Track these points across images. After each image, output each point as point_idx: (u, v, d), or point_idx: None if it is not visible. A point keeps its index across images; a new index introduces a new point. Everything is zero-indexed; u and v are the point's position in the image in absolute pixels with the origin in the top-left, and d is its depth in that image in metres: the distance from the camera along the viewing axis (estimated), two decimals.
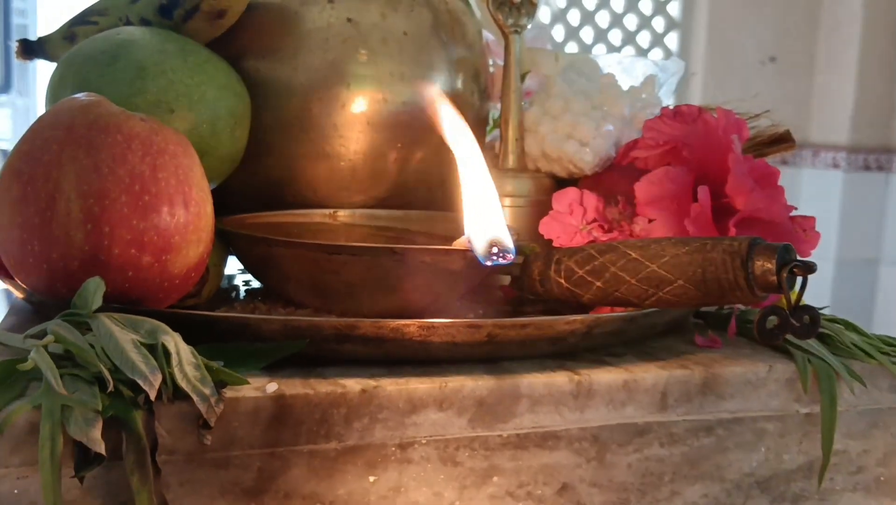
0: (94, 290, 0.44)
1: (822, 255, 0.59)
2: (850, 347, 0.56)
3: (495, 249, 0.49)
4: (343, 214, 0.72)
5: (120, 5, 0.70)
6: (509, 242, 0.49)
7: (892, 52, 3.02)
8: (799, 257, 0.48)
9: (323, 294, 0.57)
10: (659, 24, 2.91)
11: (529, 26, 0.76)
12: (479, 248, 0.49)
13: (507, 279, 0.56)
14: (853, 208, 2.94)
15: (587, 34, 2.79)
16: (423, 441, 0.47)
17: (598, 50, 2.80)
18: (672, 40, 3.04)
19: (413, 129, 0.75)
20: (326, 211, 0.72)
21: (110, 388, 0.41)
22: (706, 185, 0.59)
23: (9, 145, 3.37)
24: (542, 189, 0.73)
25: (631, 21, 2.83)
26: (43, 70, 3.71)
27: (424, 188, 0.78)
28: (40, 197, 0.46)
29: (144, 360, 0.42)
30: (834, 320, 0.59)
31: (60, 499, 0.40)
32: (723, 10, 3.03)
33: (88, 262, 0.46)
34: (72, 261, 0.46)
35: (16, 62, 4.16)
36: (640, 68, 0.76)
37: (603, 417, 0.50)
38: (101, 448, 0.40)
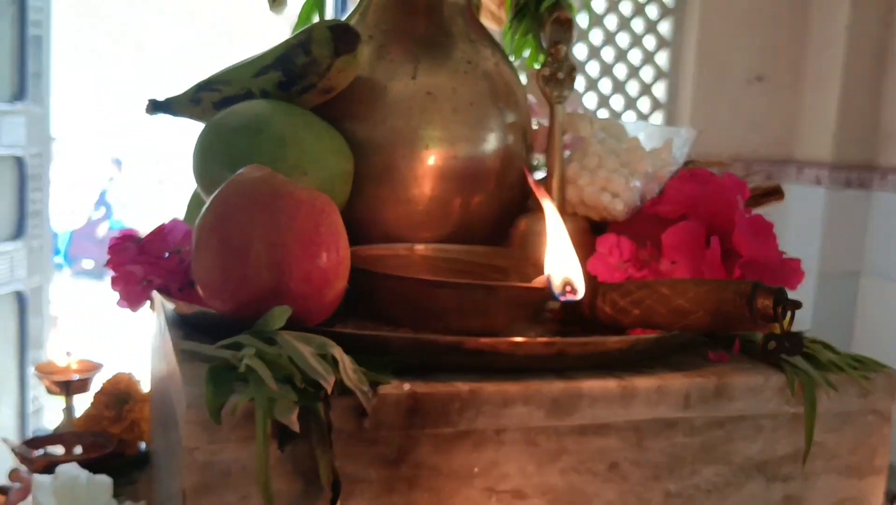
0: (280, 314, 0.61)
1: (806, 267, 0.74)
2: (827, 363, 0.73)
3: (568, 288, 0.65)
4: (419, 248, 0.89)
5: (243, 78, 0.87)
6: (580, 284, 0.66)
7: (875, 72, 3.19)
8: (789, 296, 0.65)
9: (421, 317, 0.73)
10: (650, 42, 3.06)
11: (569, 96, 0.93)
12: (555, 286, 0.65)
13: (555, 304, 0.73)
14: (835, 223, 3.08)
15: (580, 51, 2.91)
16: (513, 428, 0.64)
17: (592, 68, 2.94)
18: (662, 59, 3.20)
19: (474, 179, 0.92)
20: (406, 245, 0.89)
21: (300, 386, 0.58)
22: (716, 235, 0.76)
23: (23, 152, 3.50)
24: (580, 230, 0.90)
25: (623, 39, 2.98)
26: (57, 79, 3.83)
27: (481, 226, 0.94)
28: (236, 246, 0.62)
29: (321, 365, 0.59)
30: (814, 341, 0.76)
31: (268, 464, 0.56)
32: (712, 29, 3.17)
33: (270, 293, 0.62)
34: (259, 293, 0.62)
35: (31, 71, 4.26)
36: (659, 134, 0.93)
37: (642, 412, 0.67)
38: (297, 428, 0.56)
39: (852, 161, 3.24)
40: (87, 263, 9.08)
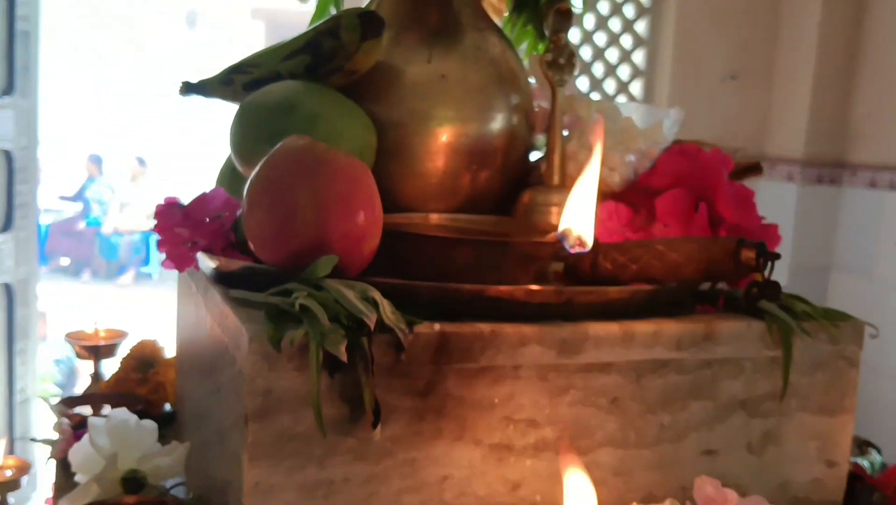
0: (326, 263, 0.69)
1: (777, 262, 0.83)
2: (801, 313, 0.82)
3: (578, 241, 0.74)
4: (433, 217, 0.97)
5: (273, 61, 0.95)
6: (590, 238, 0.75)
7: (846, 69, 3.30)
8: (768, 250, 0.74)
9: (439, 274, 0.81)
10: (627, 41, 3.16)
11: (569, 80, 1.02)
12: (567, 239, 0.74)
13: (560, 265, 0.82)
14: (806, 219, 3.19)
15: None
16: (528, 365, 0.73)
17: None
18: (639, 57, 3.30)
19: (482, 155, 1.00)
20: (421, 214, 0.97)
21: (346, 323, 0.66)
22: (704, 203, 0.86)
23: (11, 145, 3.54)
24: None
25: (600, 38, 3.07)
26: (44, 73, 3.87)
27: (488, 199, 1.03)
28: (285, 207, 0.70)
29: (364, 305, 0.67)
30: (790, 296, 0.85)
31: (319, 390, 0.64)
32: (687, 28, 3.27)
33: (315, 247, 0.71)
34: (305, 246, 0.71)
35: (19, 65, 4.31)
36: (650, 114, 1.03)
37: (640, 354, 0.76)
38: (345, 358, 0.65)
39: (823, 158, 3.35)
40: (64, 260, 9.09)
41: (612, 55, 3.11)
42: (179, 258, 0.86)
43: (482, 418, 0.72)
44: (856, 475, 0.92)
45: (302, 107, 0.85)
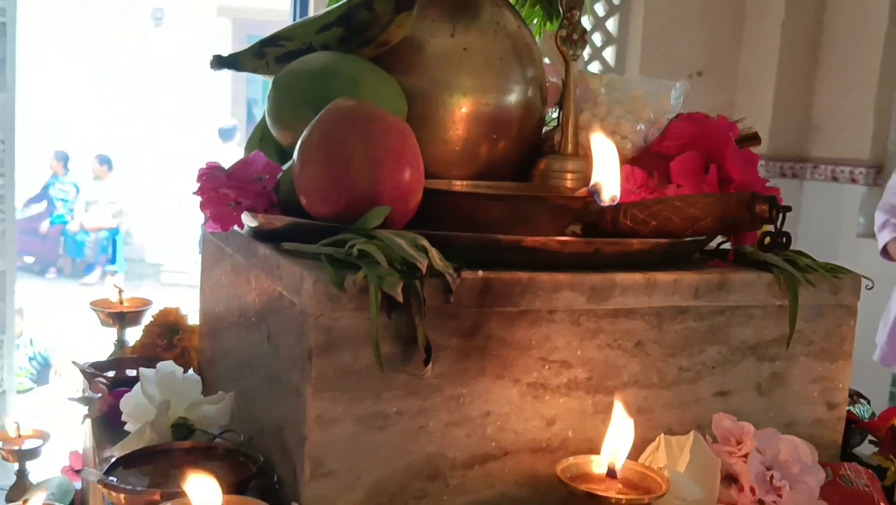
0: (379, 213, 0.75)
1: None
2: (805, 266, 0.89)
3: (608, 196, 0.80)
4: (457, 183, 1.03)
5: (306, 34, 1.00)
6: (618, 192, 0.81)
7: (807, 67, 3.42)
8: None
9: (472, 229, 0.87)
10: (597, 39, 3.24)
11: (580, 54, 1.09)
12: (599, 192, 0.81)
13: (577, 227, 0.88)
14: None
15: None
16: (561, 310, 0.79)
17: None
18: (609, 54, 3.38)
19: (500, 124, 1.06)
20: (445, 181, 1.03)
21: (400, 268, 0.72)
22: (713, 164, 0.93)
23: None
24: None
25: None
26: (22, 66, 3.87)
27: (505, 166, 1.09)
28: (340, 160, 0.76)
29: (416, 252, 0.73)
30: (796, 252, 0.92)
31: (378, 328, 0.70)
32: (655, 26, 3.37)
33: (367, 199, 0.76)
34: (358, 198, 0.76)
35: None
36: (658, 87, 1.09)
37: (661, 301, 0.83)
38: (401, 299, 0.70)
39: (786, 153, 3.47)
40: (28, 259, 8.97)
41: (584, 52, 3.19)
42: (224, 218, 0.90)
43: (520, 359, 0.78)
44: (850, 420, 0.99)
45: (342, 74, 0.90)
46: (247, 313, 0.93)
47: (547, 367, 0.79)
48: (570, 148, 1.06)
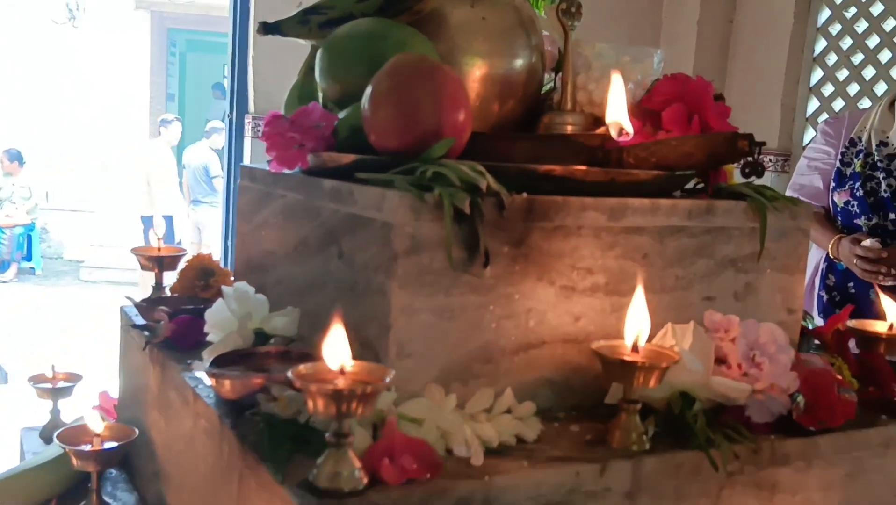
0: (445, 144, 0.92)
1: None
2: (771, 196, 1.10)
3: (623, 131, 0.99)
4: None
5: (347, 3, 1.16)
6: (630, 129, 0.99)
7: (720, 63, 3.67)
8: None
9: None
10: None
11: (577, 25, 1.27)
12: (614, 131, 0.99)
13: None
14: None
15: None
16: (587, 226, 0.97)
17: None
18: None
19: (508, 86, 1.23)
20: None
21: (456, 185, 0.89)
22: (696, 115, 1.12)
23: None
24: (589, 122, 1.23)
25: None
26: None
27: (510, 124, 1.27)
28: (409, 103, 0.92)
29: (477, 175, 0.90)
30: (764, 186, 1.12)
31: (451, 235, 0.87)
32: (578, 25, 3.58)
33: (432, 134, 0.93)
34: (424, 133, 0.93)
35: None
36: (642, 53, 1.28)
37: (663, 221, 1.01)
38: (468, 211, 0.87)
39: None
40: None
41: None
42: (289, 159, 1.06)
43: (555, 265, 0.96)
44: (802, 329, 1.20)
45: (391, 36, 1.06)
46: (308, 242, 1.08)
47: (575, 272, 0.98)
48: (569, 105, 1.24)
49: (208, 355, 1.02)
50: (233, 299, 1.04)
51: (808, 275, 2.37)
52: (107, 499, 1.23)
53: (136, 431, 1.21)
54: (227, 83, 4.42)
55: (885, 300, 1.16)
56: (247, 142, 4.63)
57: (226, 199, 4.59)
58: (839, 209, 2.17)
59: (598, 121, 1.23)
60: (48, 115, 9.85)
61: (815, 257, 2.29)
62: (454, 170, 0.90)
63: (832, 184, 2.19)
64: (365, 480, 0.76)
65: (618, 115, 0.99)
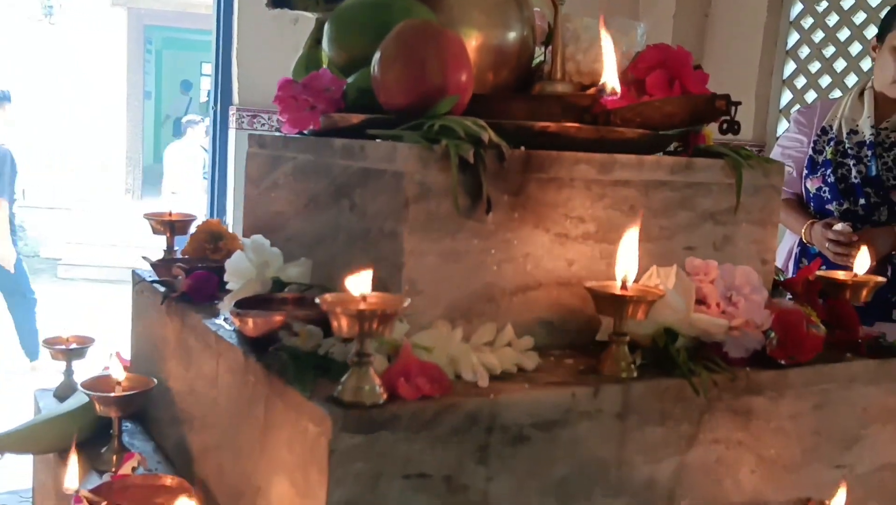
0: (451, 100, 1.00)
1: None
2: (746, 155, 1.19)
3: (611, 91, 1.08)
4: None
5: None
6: (619, 87, 1.08)
7: (696, 56, 3.78)
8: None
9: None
10: None
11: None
12: (605, 91, 1.08)
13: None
14: None
15: None
16: (579, 178, 1.06)
17: None
18: None
19: (503, 55, 1.32)
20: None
21: (461, 137, 0.97)
22: (677, 81, 1.21)
23: None
24: (577, 90, 1.32)
25: None
26: None
27: (505, 90, 1.35)
28: (416, 63, 1.01)
29: (479, 129, 0.98)
30: (739, 147, 1.22)
31: (457, 183, 0.95)
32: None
33: (436, 92, 1.01)
34: (429, 91, 1.01)
35: None
36: (627, 25, 1.37)
37: (648, 175, 1.11)
38: (472, 160, 0.96)
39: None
40: None
41: None
42: (301, 120, 1.14)
43: (550, 214, 1.05)
44: (774, 280, 1.30)
45: (396, 5, 1.14)
46: (319, 199, 1.16)
47: (568, 221, 1.06)
48: (558, 74, 1.33)
49: (230, 300, 1.10)
50: (251, 250, 1.12)
51: (783, 259, 2.48)
52: (126, 445, 1.30)
53: (155, 380, 1.28)
54: (210, 74, 4.47)
55: (860, 257, 1.25)
56: (231, 133, 4.70)
57: (210, 190, 4.65)
58: (811, 195, 2.27)
59: (586, 89, 1.32)
60: (24, 112, 9.83)
61: (788, 242, 2.40)
62: (459, 124, 0.98)
63: (805, 171, 2.29)
64: (384, 396, 0.84)
65: (608, 74, 1.09)
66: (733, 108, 1.10)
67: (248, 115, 4.63)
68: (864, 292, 1.20)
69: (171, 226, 1.46)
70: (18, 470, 1.67)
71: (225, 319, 1.14)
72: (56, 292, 7.63)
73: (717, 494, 1.04)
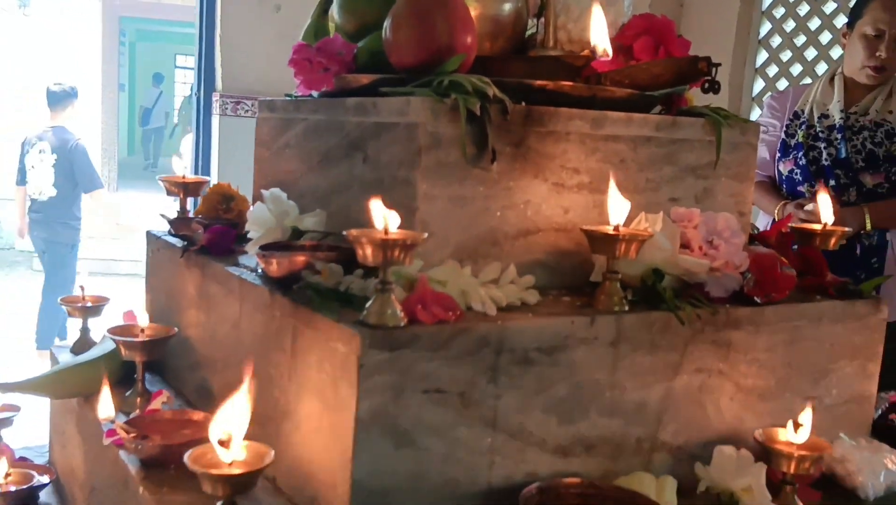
0: (458, 59, 1.10)
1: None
2: (724, 116, 1.29)
3: (602, 52, 1.17)
4: None
5: None
6: (610, 51, 1.18)
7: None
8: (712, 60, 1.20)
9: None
10: None
11: None
12: (596, 53, 1.18)
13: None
14: None
15: None
16: (574, 132, 1.16)
17: None
18: None
19: (498, 26, 1.41)
20: None
21: (469, 92, 1.07)
22: (662, 46, 1.31)
23: None
24: (569, 56, 1.42)
25: None
26: None
27: (500, 59, 1.45)
28: (426, 24, 1.10)
29: (485, 85, 1.08)
30: (717, 108, 1.32)
31: (465, 131, 1.05)
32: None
33: (445, 51, 1.11)
34: (438, 50, 1.10)
35: None
36: None
37: (636, 131, 1.21)
38: (478, 112, 1.05)
39: None
40: None
41: None
42: (315, 81, 1.23)
43: (548, 165, 1.15)
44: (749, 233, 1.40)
45: None
46: (331, 155, 1.25)
47: (564, 172, 1.16)
48: (551, 42, 1.42)
49: (254, 244, 1.19)
50: (271, 201, 1.21)
51: None
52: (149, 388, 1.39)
53: (176, 328, 1.37)
54: (185, 66, 4.53)
55: (820, 198, 1.36)
56: (215, 119, 4.76)
57: (194, 174, 4.68)
58: (784, 178, 2.37)
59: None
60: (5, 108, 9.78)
61: (761, 223, 2.50)
62: (466, 80, 1.08)
63: (777, 154, 2.39)
64: (405, 320, 0.94)
65: (599, 38, 1.18)
66: (714, 69, 1.20)
67: (231, 102, 4.70)
68: (833, 240, 1.31)
69: (184, 187, 1.55)
70: (32, 430, 1.74)
71: (245, 267, 1.23)
72: (32, 285, 7.60)
73: (700, 419, 1.15)
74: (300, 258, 1.08)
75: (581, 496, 1.01)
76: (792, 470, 1.07)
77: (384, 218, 0.94)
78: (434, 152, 1.06)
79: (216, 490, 0.91)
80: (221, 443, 0.93)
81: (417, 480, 0.95)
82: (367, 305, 0.94)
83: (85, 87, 10.97)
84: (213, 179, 4.44)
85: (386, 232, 0.93)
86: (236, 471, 0.91)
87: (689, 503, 1.09)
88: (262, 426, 1.10)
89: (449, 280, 1.03)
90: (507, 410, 1.00)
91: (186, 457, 0.92)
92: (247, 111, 4.74)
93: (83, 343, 1.63)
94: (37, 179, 4.69)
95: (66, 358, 1.62)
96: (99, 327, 1.68)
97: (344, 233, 0.94)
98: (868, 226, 2.19)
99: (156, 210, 1.65)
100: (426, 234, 0.95)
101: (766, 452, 1.09)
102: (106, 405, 1.17)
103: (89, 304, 1.64)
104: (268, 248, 1.14)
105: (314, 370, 0.99)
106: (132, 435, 1.13)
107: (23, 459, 1.53)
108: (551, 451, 1.04)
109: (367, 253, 0.91)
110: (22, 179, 4.74)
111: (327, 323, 0.96)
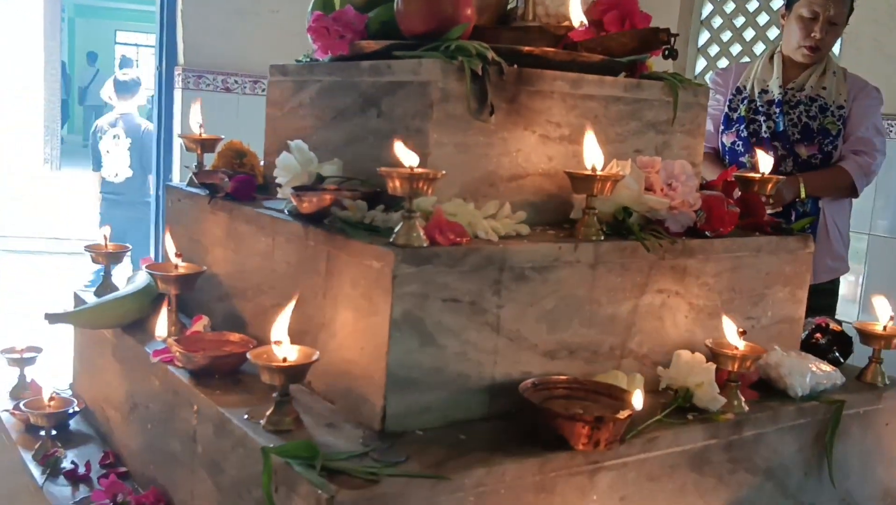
0: (462, 28, 1.30)
1: None
2: (680, 79, 1.52)
3: (580, 24, 1.39)
4: None
5: None
6: (586, 22, 1.39)
7: None
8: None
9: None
10: None
11: None
12: (575, 25, 1.39)
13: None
14: None
15: None
16: (556, 91, 1.37)
17: None
18: None
19: (484, 1, 1.62)
20: None
21: (472, 55, 1.27)
22: (627, 20, 1.53)
23: None
24: (552, 26, 1.63)
25: None
26: None
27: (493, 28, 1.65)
28: None
29: (484, 49, 1.28)
30: (673, 73, 1.54)
31: (470, 88, 1.25)
32: None
33: (450, 21, 1.31)
34: (446, 19, 1.30)
35: None
36: None
37: (607, 91, 1.42)
38: (480, 72, 1.26)
39: None
40: None
41: None
42: (333, 46, 1.42)
43: (535, 118, 1.36)
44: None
45: None
46: (348, 110, 1.45)
47: (549, 125, 1.38)
48: (530, 16, 1.63)
49: (286, 187, 1.38)
50: (296, 151, 1.40)
51: None
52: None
53: (205, 266, 1.55)
54: (125, 42, 4.65)
55: (760, 154, 1.60)
56: (177, 93, 4.85)
57: (157, 149, 4.76)
58: (727, 149, 2.57)
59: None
60: None
61: None
62: (470, 45, 1.28)
63: (721, 127, 2.58)
64: (427, 242, 1.14)
65: (575, 11, 1.40)
66: (673, 38, 1.43)
67: (193, 76, 4.79)
68: (769, 186, 1.55)
69: (201, 144, 1.72)
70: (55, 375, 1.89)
71: (271, 209, 1.42)
72: None
73: (661, 331, 1.38)
74: (328, 196, 1.27)
75: (567, 388, 1.23)
76: (736, 368, 1.31)
77: (409, 158, 1.14)
78: (443, 106, 1.27)
79: (273, 379, 1.11)
80: (277, 343, 1.13)
81: (437, 374, 1.16)
82: (396, 229, 1.14)
83: (26, 63, 10.85)
84: (177, 153, 4.57)
85: (412, 168, 1.14)
86: (290, 363, 1.11)
87: (653, 399, 1.32)
88: (300, 340, 1.30)
89: (458, 213, 1.24)
90: (508, 319, 1.21)
91: (249, 354, 1.12)
92: (209, 85, 4.83)
93: (106, 287, 1.80)
94: (113, 163, 4.87)
95: (91, 300, 1.79)
96: (119, 274, 1.86)
97: (379, 169, 1.14)
98: (802, 194, 2.39)
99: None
100: (443, 172, 1.15)
101: (715, 357, 1.32)
102: (162, 323, 1.36)
103: (111, 251, 1.81)
104: (298, 189, 1.33)
105: (348, 286, 1.19)
106: (182, 350, 1.32)
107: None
108: (542, 353, 1.26)
109: (396, 185, 1.11)
110: (98, 165, 4.89)
111: (360, 246, 1.16)
